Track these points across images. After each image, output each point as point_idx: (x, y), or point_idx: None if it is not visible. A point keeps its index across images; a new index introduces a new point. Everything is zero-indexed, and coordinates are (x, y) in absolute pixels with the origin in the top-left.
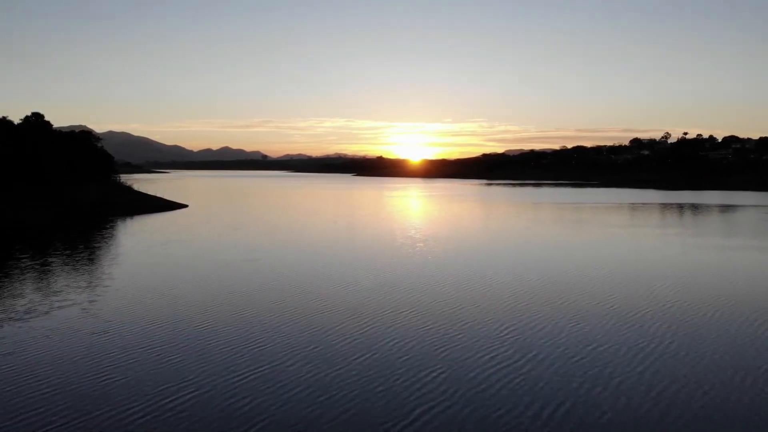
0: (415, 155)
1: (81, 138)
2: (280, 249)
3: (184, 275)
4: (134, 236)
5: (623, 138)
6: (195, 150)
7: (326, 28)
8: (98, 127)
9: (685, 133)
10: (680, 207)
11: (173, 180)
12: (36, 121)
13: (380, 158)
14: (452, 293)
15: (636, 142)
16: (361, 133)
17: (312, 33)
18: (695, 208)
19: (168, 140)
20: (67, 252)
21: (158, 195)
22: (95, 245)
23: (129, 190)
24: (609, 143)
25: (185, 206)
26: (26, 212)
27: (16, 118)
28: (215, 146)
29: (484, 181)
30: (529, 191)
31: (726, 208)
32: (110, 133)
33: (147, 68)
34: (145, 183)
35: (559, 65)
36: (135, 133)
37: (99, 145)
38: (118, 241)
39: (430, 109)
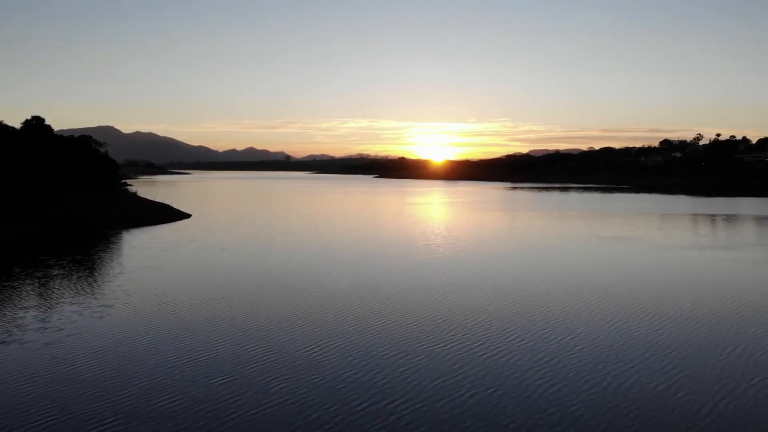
0: (437, 156)
1: (81, 143)
2: (260, 283)
3: (126, 326)
4: (106, 260)
5: (650, 138)
6: (220, 150)
7: (350, 28)
8: (125, 127)
9: (718, 135)
10: (726, 219)
11: (191, 182)
12: (36, 124)
13: (402, 159)
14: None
15: (666, 143)
16: (384, 134)
17: (336, 33)
18: (744, 220)
19: (194, 140)
20: (10, 284)
21: (166, 202)
22: (52, 273)
23: (132, 198)
24: (636, 143)
25: (188, 216)
26: (4, 227)
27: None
28: (240, 147)
29: (508, 185)
30: (555, 197)
31: None
32: (137, 133)
33: (174, 69)
34: (161, 186)
35: (585, 64)
36: (161, 134)
37: (103, 150)
38: (81, 267)
39: (453, 109)
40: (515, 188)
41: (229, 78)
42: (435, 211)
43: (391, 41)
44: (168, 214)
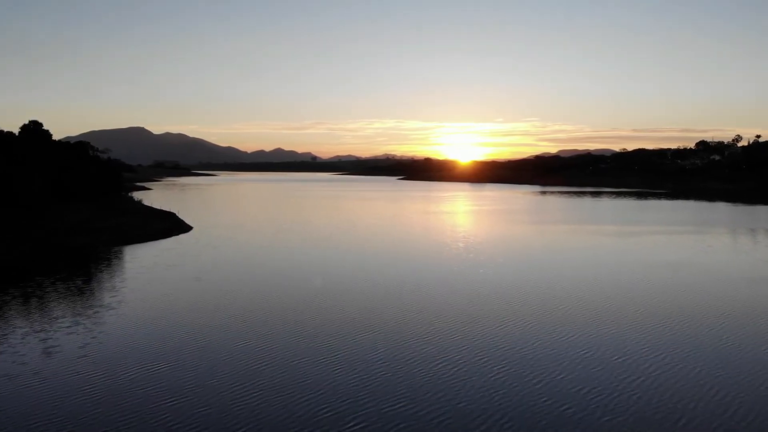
0: (464, 156)
1: (78, 149)
2: (226, 333)
3: (33, 401)
4: (58, 296)
5: (683, 138)
6: (249, 151)
7: (378, 28)
8: (155, 128)
9: (758, 136)
10: None
11: (213, 185)
12: (34, 129)
13: (427, 160)
14: None
15: (703, 144)
16: (411, 134)
17: (363, 34)
18: None
19: (223, 141)
20: None
21: (174, 210)
22: None
23: (133, 208)
24: (668, 144)
25: (189, 229)
26: None
27: (70, 119)
28: (268, 148)
29: (538, 188)
30: (589, 205)
31: None
32: (167, 134)
33: (204, 71)
34: (179, 191)
35: (615, 62)
36: (191, 135)
37: (105, 156)
38: (23, 306)
39: (481, 109)
40: (545, 193)
41: (258, 79)
42: (457, 222)
43: (419, 41)
44: (167, 228)
